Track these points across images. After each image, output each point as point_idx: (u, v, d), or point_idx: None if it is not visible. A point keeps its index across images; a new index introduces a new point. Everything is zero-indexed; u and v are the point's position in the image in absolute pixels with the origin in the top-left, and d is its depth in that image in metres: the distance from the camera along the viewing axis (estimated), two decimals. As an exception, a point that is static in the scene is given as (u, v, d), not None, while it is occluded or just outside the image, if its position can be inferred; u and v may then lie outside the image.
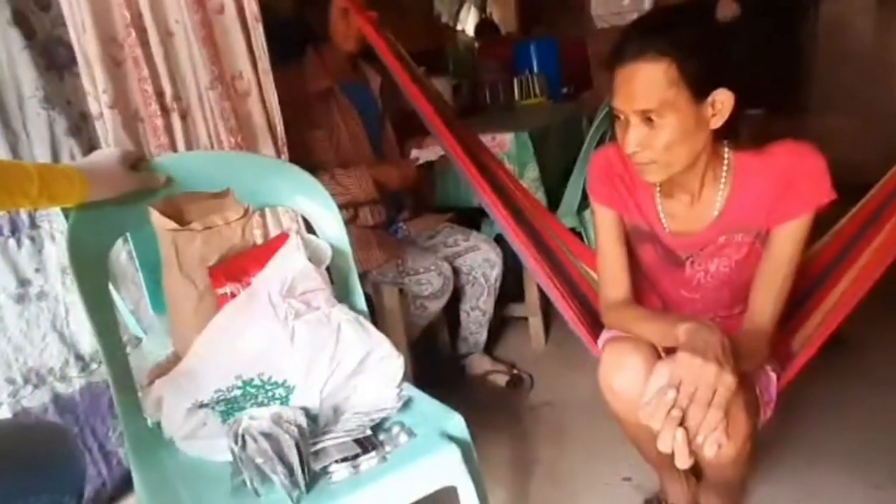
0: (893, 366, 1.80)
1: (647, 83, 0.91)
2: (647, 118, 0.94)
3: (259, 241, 1.28)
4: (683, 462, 0.78)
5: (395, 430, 0.92)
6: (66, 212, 1.14)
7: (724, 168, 1.04)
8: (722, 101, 0.93)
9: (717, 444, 0.77)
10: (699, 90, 0.92)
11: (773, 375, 1.10)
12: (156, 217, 0.99)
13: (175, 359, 1.03)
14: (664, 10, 1.03)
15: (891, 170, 1.16)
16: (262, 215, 1.39)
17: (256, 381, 0.91)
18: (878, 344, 1.87)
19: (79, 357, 1.42)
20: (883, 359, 1.83)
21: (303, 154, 1.50)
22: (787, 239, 1.01)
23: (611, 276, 1.17)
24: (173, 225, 0.98)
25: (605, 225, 1.17)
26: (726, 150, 1.04)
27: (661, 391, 0.79)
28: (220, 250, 1.01)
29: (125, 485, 1.47)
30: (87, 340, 1.43)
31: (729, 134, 0.99)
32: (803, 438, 1.52)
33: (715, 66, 0.93)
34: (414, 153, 1.84)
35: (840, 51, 3.45)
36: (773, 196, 1.01)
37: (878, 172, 1.20)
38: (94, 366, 1.45)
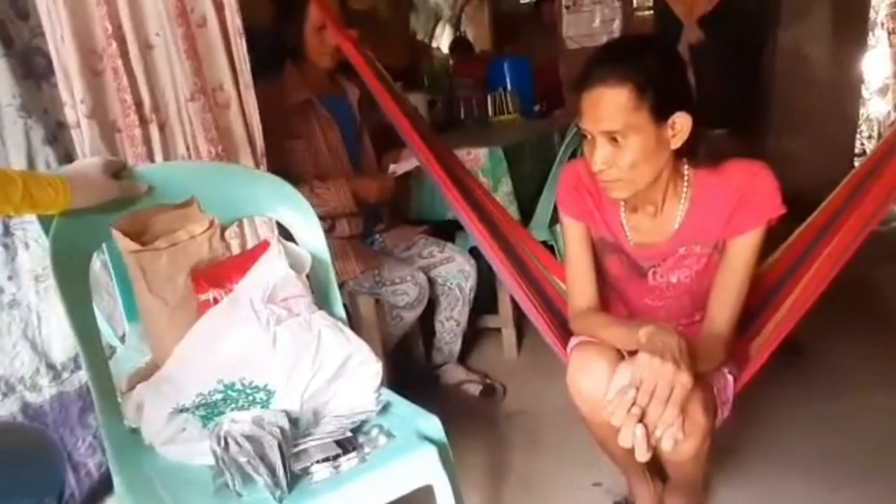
0: (839, 372, 1.89)
1: (611, 107, 0.98)
2: (612, 138, 1.00)
3: (233, 250, 1.29)
4: (642, 455, 0.82)
5: (374, 432, 0.95)
6: (42, 220, 1.14)
7: (685, 184, 1.12)
8: (681, 124, 1.01)
9: (674, 438, 0.82)
10: (659, 113, 0.99)
11: (731, 378, 1.16)
12: (119, 238, 0.99)
13: (153, 365, 1.04)
14: (627, 40, 1.10)
15: (837, 187, 1.24)
16: (241, 226, 1.40)
17: (238, 385, 0.93)
18: (827, 351, 1.97)
19: (50, 366, 1.41)
20: (829, 366, 1.92)
21: (282, 166, 1.52)
22: (742, 250, 1.09)
23: (578, 285, 1.23)
24: (136, 246, 0.99)
25: (573, 236, 1.23)
26: (686, 167, 1.11)
27: (623, 390, 0.85)
28: (187, 265, 1.02)
29: (95, 495, 1.45)
30: (58, 349, 1.42)
31: (688, 153, 1.07)
32: (761, 444, 1.59)
33: (673, 92, 1.01)
34: (392, 168, 1.88)
35: (797, 75, 3.62)
36: (729, 210, 1.08)
37: (831, 191, 1.27)
38: (65, 375, 1.43)
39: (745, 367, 1.18)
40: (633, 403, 0.82)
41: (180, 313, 1.01)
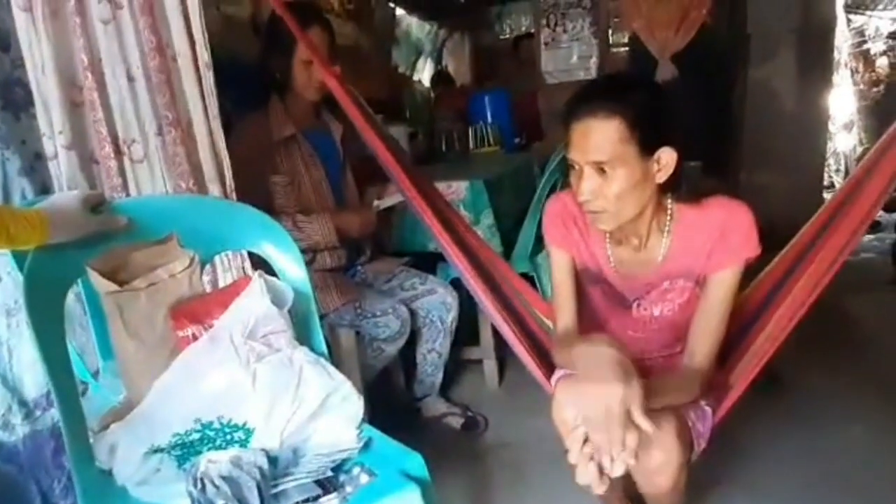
0: (817, 403, 1.91)
1: (600, 138, 1.00)
2: (599, 169, 1.03)
3: (208, 287, 1.26)
4: (598, 488, 0.80)
5: (356, 470, 0.93)
6: (15, 253, 1.11)
7: (668, 218, 1.14)
8: (666, 159, 1.04)
9: (625, 463, 0.79)
10: (646, 148, 1.02)
11: (708, 410, 1.17)
12: (95, 278, 0.97)
13: (128, 404, 1.01)
14: (618, 77, 1.13)
15: (808, 221, 1.27)
16: (212, 263, 1.38)
17: (216, 425, 0.91)
18: (805, 382, 2.00)
19: (22, 403, 1.36)
20: (808, 396, 1.94)
21: (264, 199, 1.51)
22: (720, 285, 1.11)
23: (563, 315, 1.24)
24: (114, 287, 0.97)
25: (559, 265, 1.24)
26: (670, 202, 1.14)
27: (574, 428, 0.83)
28: (166, 304, 1.00)
29: (67, 539, 1.39)
30: (30, 385, 1.37)
31: (672, 188, 1.09)
32: (741, 477, 1.59)
33: (660, 128, 1.03)
34: (375, 202, 1.89)
35: (766, 111, 3.74)
36: (710, 246, 1.11)
37: (802, 224, 1.31)
38: (37, 413, 1.38)
39: (724, 399, 1.19)
40: (586, 439, 0.81)
41: (158, 352, 0.99)
